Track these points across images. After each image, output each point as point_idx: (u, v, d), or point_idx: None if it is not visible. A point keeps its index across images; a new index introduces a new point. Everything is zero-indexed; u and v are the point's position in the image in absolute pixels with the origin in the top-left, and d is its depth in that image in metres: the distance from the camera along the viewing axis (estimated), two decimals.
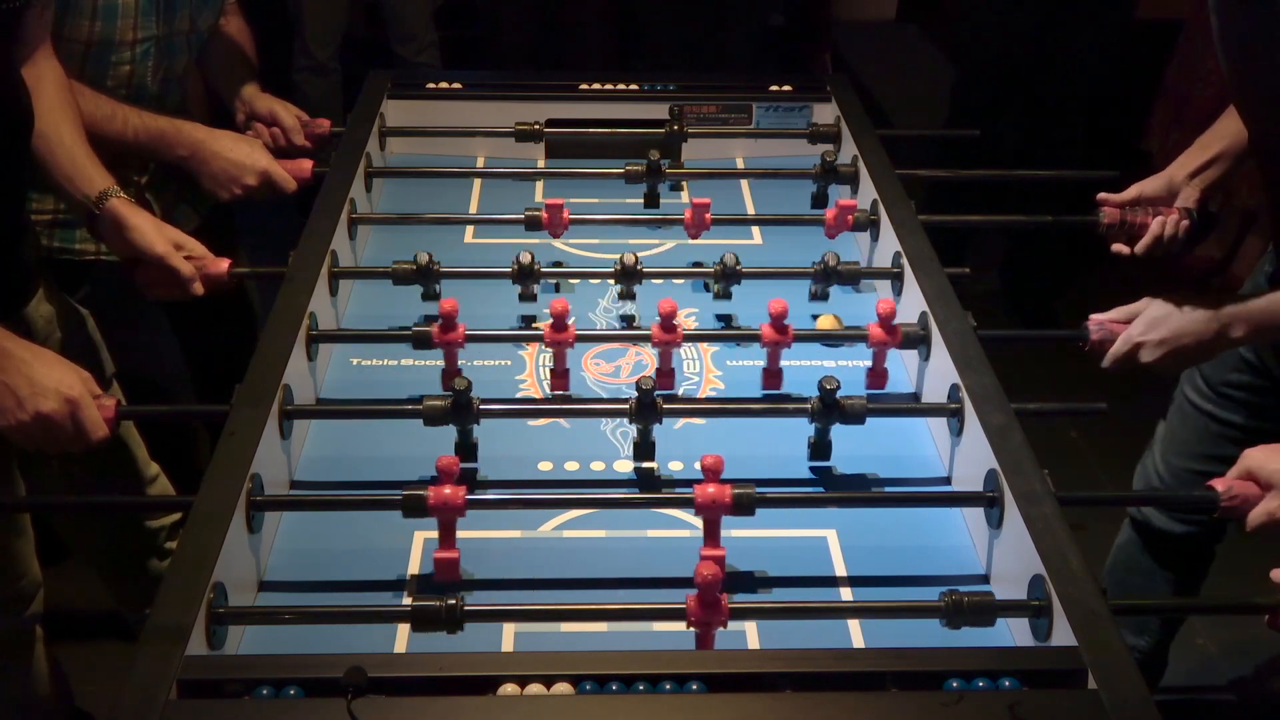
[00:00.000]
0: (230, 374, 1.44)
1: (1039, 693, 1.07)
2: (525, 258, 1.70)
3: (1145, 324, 1.55)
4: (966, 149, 3.47)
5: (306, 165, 1.98)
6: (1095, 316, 1.60)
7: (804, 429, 1.49)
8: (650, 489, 1.47)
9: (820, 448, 1.49)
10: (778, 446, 1.50)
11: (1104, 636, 1.11)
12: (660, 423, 1.45)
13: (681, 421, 1.58)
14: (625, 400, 1.45)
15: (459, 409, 1.41)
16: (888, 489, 1.50)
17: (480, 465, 1.35)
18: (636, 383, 1.41)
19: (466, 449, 1.46)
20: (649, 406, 1.42)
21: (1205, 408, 1.90)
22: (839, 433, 1.56)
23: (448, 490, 1.27)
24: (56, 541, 2.01)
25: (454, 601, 1.16)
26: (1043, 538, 1.22)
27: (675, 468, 1.51)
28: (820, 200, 2.03)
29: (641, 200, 2.01)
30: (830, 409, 1.43)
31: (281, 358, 1.47)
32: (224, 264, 1.66)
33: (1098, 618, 1.13)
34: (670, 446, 1.54)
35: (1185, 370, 1.95)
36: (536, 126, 2.12)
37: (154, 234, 1.60)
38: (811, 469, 1.51)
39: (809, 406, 1.44)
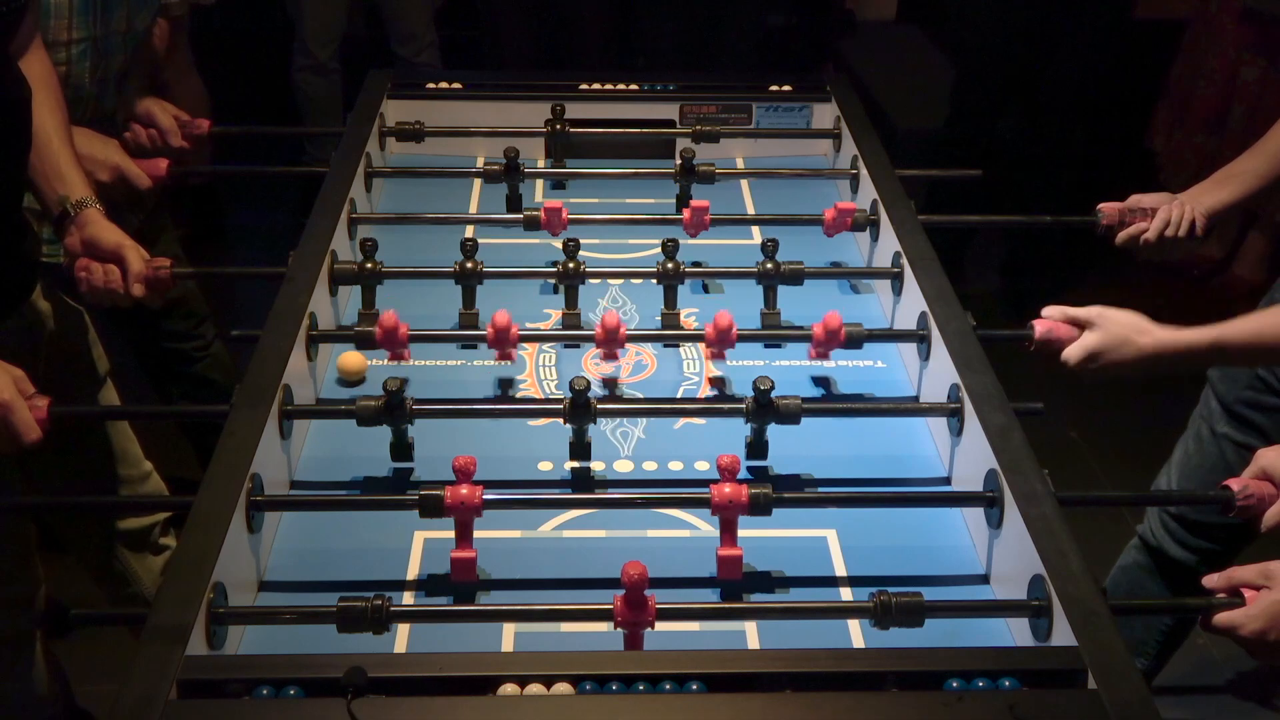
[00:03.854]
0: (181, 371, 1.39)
1: (1039, 693, 1.07)
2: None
3: (1083, 355, 1.52)
4: (966, 149, 3.48)
5: (162, 164, 1.97)
6: (1043, 316, 1.57)
7: (803, 429, 1.48)
8: (585, 489, 1.47)
9: (757, 447, 1.48)
10: (777, 446, 1.50)
11: (1104, 636, 1.11)
12: (595, 423, 1.45)
13: (681, 422, 1.58)
14: (560, 401, 1.45)
15: (391, 409, 1.41)
16: (888, 489, 1.50)
17: (481, 465, 1.36)
18: (570, 383, 1.41)
19: (402, 449, 1.46)
20: (583, 407, 1.42)
21: (1222, 430, 1.87)
22: (841, 432, 1.57)
23: (465, 490, 1.27)
24: (52, 539, 2.01)
25: (380, 601, 1.16)
26: (1043, 538, 1.22)
27: (675, 468, 1.51)
28: (683, 201, 2.00)
29: (650, 199, 2.01)
30: (765, 409, 1.43)
31: (281, 358, 1.47)
32: (165, 263, 1.67)
33: (1098, 618, 1.13)
34: (670, 446, 1.54)
35: (1203, 395, 1.94)
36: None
37: (119, 232, 1.63)
38: (809, 469, 1.51)
39: (744, 407, 1.44)
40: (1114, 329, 1.50)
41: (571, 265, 1.72)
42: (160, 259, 1.67)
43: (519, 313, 1.79)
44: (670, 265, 1.72)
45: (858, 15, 4.42)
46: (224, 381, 2.47)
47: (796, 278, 1.73)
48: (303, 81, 3.71)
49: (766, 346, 1.74)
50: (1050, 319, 1.57)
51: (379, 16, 3.75)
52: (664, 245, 1.73)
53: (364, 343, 1.58)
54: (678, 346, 1.74)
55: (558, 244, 1.82)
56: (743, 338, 1.60)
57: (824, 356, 1.61)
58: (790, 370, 1.70)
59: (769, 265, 1.72)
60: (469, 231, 2.01)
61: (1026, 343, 1.56)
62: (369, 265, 1.71)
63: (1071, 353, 1.53)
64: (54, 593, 1.80)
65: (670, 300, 1.73)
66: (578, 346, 1.73)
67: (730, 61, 3.47)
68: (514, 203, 1.99)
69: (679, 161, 1.99)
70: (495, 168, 1.98)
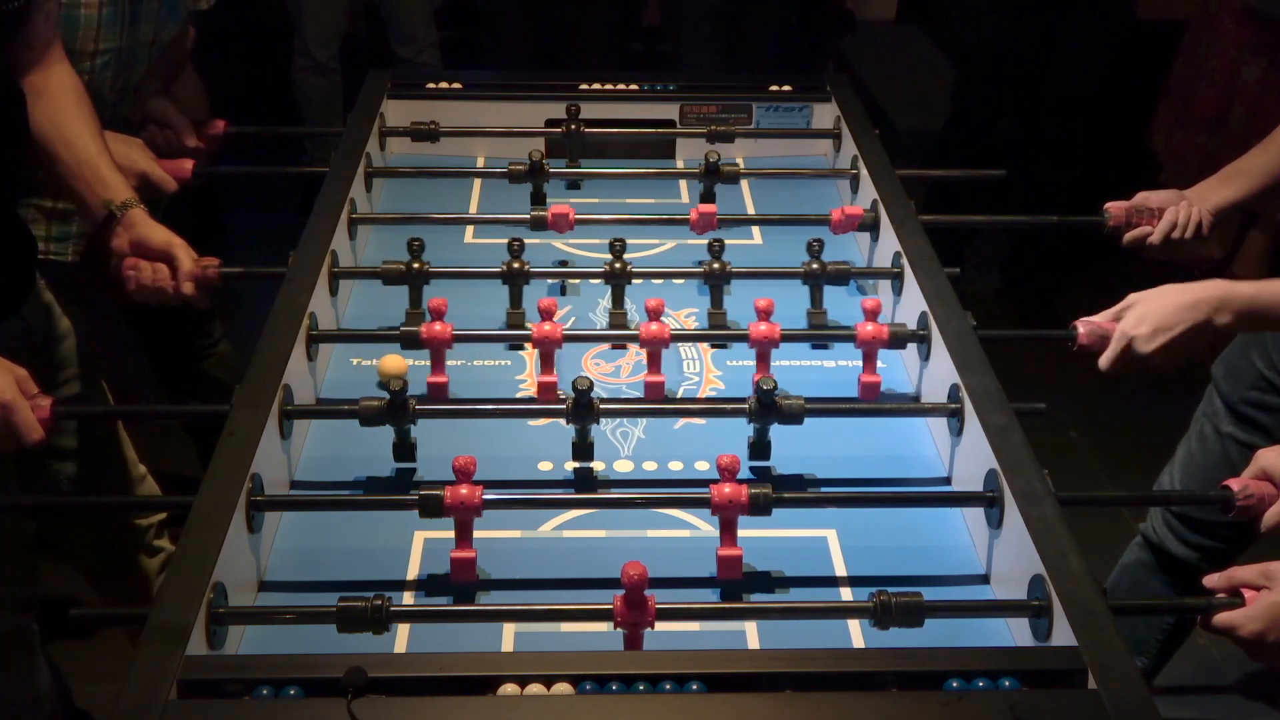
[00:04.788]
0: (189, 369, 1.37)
1: (1039, 693, 1.07)
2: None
3: (1134, 318, 1.52)
4: (966, 149, 3.48)
5: (187, 165, 1.96)
6: (1083, 319, 1.58)
7: (803, 429, 1.48)
8: (585, 489, 1.47)
9: (760, 448, 1.48)
10: (777, 446, 1.50)
11: (1104, 636, 1.11)
12: (598, 423, 1.45)
13: (681, 422, 1.58)
14: (564, 400, 1.45)
15: (395, 409, 1.41)
16: (888, 489, 1.50)
17: (481, 465, 1.36)
18: (573, 383, 1.41)
19: (404, 450, 1.46)
20: (586, 407, 1.42)
21: (1226, 430, 1.86)
22: (841, 432, 1.57)
23: (465, 490, 1.27)
24: (47, 541, 2.01)
25: (380, 601, 1.16)
26: (1043, 538, 1.22)
27: (675, 468, 1.51)
28: (708, 200, 2.01)
29: (650, 199, 2.02)
30: (768, 409, 1.43)
31: (281, 358, 1.47)
32: (214, 262, 1.67)
33: (1098, 618, 1.13)
34: (670, 446, 1.54)
35: (1206, 393, 1.94)
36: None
37: (168, 231, 1.64)
38: (809, 469, 1.51)
39: (746, 407, 1.44)
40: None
41: (618, 265, 1.72)
42: (209, 258, 1.66)
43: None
44: (716, 265, 1.72)
45: (858, 15, 4.41)
46: (230, 380, 2.48)
47: (843, 278, 1.75)
48: (303, 81, 3.71)
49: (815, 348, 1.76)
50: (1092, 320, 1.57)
51: (379, 16, 3.75)
52: (710, 246, 1.75)
53: (409, 342, 1.58)
54: (725, 347, 1.75)
55: (560, 244, 1.83)
56: (787, 337, 1.59)
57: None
58: (790, 370, 1.70)
59: (815, 265, 1.73)
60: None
61: (1070, 344, 1.56)
62: (416, 265, 1.71)
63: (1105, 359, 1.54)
64: (52, 594, 1.80)
65: (717, 299, 1.75)
66: (624, 348, 1.74)
67: (750, 66, 3.47)
68: (539, 196, 1.99)
69: (703, 162, 1.99)
70: (520, 167, 1.97)
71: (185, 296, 1.63)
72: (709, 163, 1.99)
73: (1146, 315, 1.52)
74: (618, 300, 1.74)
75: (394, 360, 1.63)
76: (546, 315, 1.57)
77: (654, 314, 1.58)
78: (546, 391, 1.55)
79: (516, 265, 1.72)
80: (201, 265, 1.64)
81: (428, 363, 1.60)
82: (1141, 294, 1.54)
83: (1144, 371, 1.54)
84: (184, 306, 1.70)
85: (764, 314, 1.58)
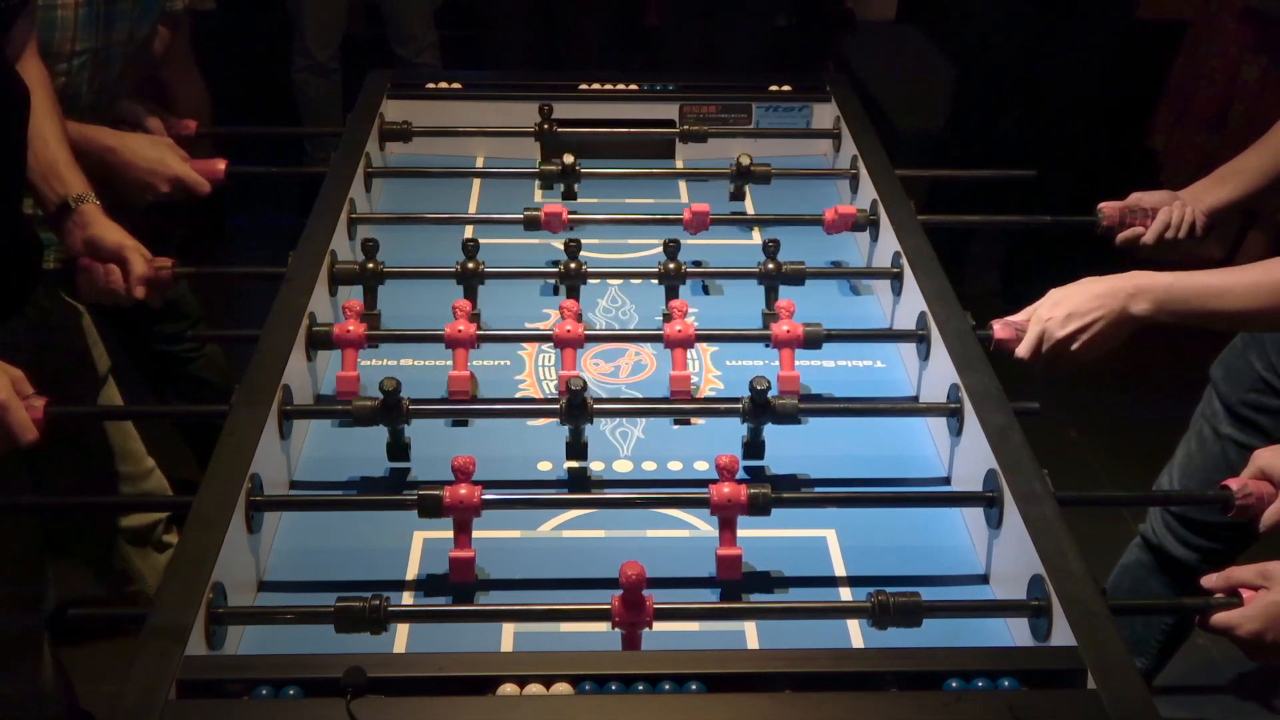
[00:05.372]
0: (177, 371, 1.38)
1: (1039, 693, 1.07)
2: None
3: (1050, 304, 1.54)
4: (967, 149, 3.48)
5: (220, 165, 1.94)
6: (1001, 319, 1.58)
7: (802, 429, 1.48)
8: (584, 489, 1.47)
9: (754, 447, 1.48)
10: (776, 446, 1.50)
11: (1104, 636, 1.11)
12: (592, 422, 1.45)
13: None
14: (556, 401, 1.44)
15: (388, 409, 1.41)
16: (887, 489, 1.50)
17: (480, 465, 1.36)
18: (567, 383, 1.41)
19: (399, 450, 1.46)
20: (579, 407, 1.42)
21: (1225, 431, 1.86)
22: (840, 432, 1.57)
23: (464, 490, 1.27)
24: (54, 539, 2.01)
25: (378, 601, 1.16)
26: (1042, 538, 1.22)
27: (674, 468, 1.51)
28: (738, 200, 2.04)
29: (650, 199, 2.04)
30: (761, 409, 1.43)
31: (281, 358, 1.47)
32: (166, 263, 1.66)
33: (1097, 618, 1.13)
34: (669, 446, 1.54)
35: (1205, 394, 1.93)
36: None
37: (121, 232, 1.63)
38: (809, 469, 1.51)
39: (740, 407, 1.44)
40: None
41: (573, 265, 1.72)
42: (162, 259, 1.66)
43: (519, 313, 1.80)
44: (671, 265, 1.72)
45: (858, 15, 4.41)
46: (218, 381, 2.47)
47: (798, 278, 1.73)
48: (303, 81, 3.71)
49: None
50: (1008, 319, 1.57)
51: (379, 16, 3.75)
52: (665, 245, 1.74)
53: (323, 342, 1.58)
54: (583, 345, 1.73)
55: (558, 244, 1.83)
56: (701, 338, 1.60)
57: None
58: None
59: (770, 265, 1.72)
60: (469, 231, 2.01)
61: (987, 345, 1.55)
62: (370, 265, 1.70)
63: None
64: (58, 593, 1.81)
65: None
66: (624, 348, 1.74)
67: (739, 65, 3.47)
68: (569, 193, 2.01)
69: (735, 163, 2.00)
70: (553, 169, 1.97)
71: (136, 299, 1.63)
72: (740, 165, 1.99)
73: (1061, 301, 1.53)
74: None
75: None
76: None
77: (569, 314, 1.60)
78: (458, 385, 1.57)
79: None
80: (154, 267, 1.64)
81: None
82: (1062, 286, 1.55)
83: (1069, 366, 1.54)
84: (162, 309, 1.69)
85: (679, 313, 1.61)
